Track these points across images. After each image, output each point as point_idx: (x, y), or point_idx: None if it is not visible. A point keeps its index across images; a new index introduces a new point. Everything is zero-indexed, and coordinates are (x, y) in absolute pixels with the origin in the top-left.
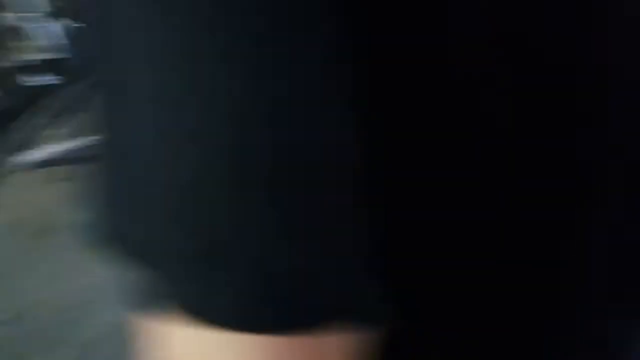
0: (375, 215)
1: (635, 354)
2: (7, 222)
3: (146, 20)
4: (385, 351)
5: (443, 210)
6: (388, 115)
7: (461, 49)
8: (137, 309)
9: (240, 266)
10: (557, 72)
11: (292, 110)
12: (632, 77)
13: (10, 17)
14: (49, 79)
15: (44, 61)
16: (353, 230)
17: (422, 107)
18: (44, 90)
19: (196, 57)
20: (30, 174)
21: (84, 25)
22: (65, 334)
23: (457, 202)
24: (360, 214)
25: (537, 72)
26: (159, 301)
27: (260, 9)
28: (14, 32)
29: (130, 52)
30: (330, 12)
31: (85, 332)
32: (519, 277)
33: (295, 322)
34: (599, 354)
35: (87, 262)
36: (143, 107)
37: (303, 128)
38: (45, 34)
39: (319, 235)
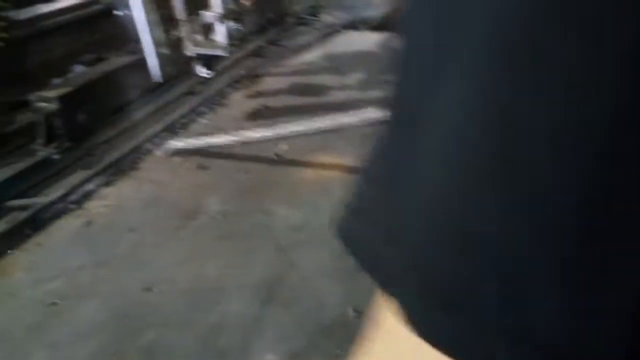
0: None
1: None
2: (155, 198)
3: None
4: None
5: None
6: None
7: None
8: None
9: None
10: None
11: None
12: None
13: (209, 16)
14: (206, 72)
15: (210, 56)
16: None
17: None
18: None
19: None
20: (179, 158)
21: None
22: (191, 315)
23: None
24: None
25: None
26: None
27: None
28: (207, 29)
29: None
30: None
31: (211, 317)
32: None
33: None
34: None
35: (223, 249)
36: (440, 141)
37: None
38: (222, 33)
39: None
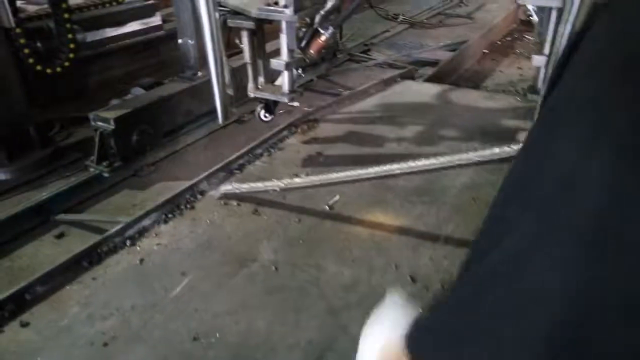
0: None
1: None
2: (209, 241)
3: None
4: None
5: None
6: None
7: None
8: None
9: None
10: None
11: None
12: None
13: (275, 62)
14: (266, 115)
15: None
16: None
17: None
18: None
19: None
20: (233, 200)
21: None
22: None
23: None
24: None
25: None
26: None
27: None
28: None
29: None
30: None
31: None
32: None
33: None
34: None
35: (273, 303)
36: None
37: None
38: (286, 80)
39: None
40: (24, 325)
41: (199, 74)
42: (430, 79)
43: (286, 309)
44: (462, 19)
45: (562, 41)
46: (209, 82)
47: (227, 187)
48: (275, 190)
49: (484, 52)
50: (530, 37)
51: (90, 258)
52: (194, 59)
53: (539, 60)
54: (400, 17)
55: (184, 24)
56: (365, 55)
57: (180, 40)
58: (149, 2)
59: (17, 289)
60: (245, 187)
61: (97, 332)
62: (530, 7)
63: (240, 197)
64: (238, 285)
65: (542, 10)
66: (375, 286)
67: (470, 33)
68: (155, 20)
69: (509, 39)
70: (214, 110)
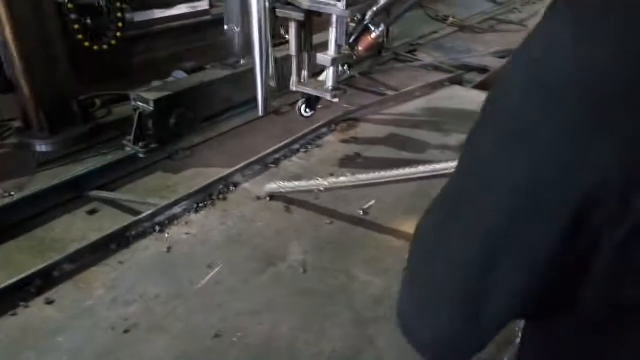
0: None
1: None
2: (238, 235)
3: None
4: None
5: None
6: None
7: None
8: None
9: None
10: None
11: None
12: None
13: (321, 57)
14: (307, 111)
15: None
16: None
17: None
18: None
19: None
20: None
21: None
22: None
23: None
24: None
25: None
26: None
27: None
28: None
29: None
30: None
31: None
32: None
33: None
34: None
35: (300, 307)
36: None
37: None
38: (331, 76)
39: None
40: (49, 302)
41: (242, 61)
42: (479, 86)
43: (312, 315)
44: (515, 26)
45: None
46: (250, 70)
47: (272, 187)
48: (320, 191)
49: None
50: None
51: (119, 241)
52: (238, 46)
53: None
54: (450, 20)
55: (231, 10)
56: (411, 56)
57: (226, 27)
58: None
59: (45, 265)
60: (290, 186)
61: (120, 317)
62: None
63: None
64: (264, 285)
65: None
66: None
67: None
68: (203, 4)
69: None
70: (253, 100)
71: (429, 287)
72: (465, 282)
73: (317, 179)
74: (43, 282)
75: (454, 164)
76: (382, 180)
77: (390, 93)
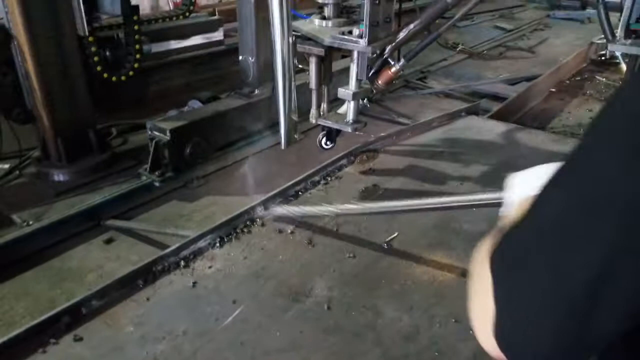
0: None
1: None
2: (263, 269)
3: None
4: None
5: None
6: None
7: None
8: None
9: None
10: None
11: None
12: None
13: (342, 92)
14: (327, 143)
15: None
16: None
17: None
18: None
19: None
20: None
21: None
22: None
23: None
24: None
25: None
26: None
27: None
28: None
29: None
30: None
31: None
32: None
33: None
34: None
35: (327, 346)
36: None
37: None
38: (352, 110)
39: None
40: (78, 339)
41: (257, 91)
42: (495, 116)
43: (340, 353)
44: (524, 52)
45: None
46: (265, 100)
47: (279, 210)
48: (328, 216)
49: (551, 91)
50: (601, 78)
51: (145, 276)
52: (252, 76)
53: None
54: (460, 47)
55: (245, 41)
56: (422, 83)
57: (240, 57)
58: (214, 17)
59: (74, 301)
60: (297, 210)
61: (149, 355)
62: (617, 53)
63: (294, 223)
64: (291, 322)
65: (633, 59)
66: (437, 339)
67: (532, 68)
68: (218, 35)
69: (578, 78)
70: (267, 129)
71: (532, 303)
72: (574, 295)
73: (326, 205)
74: (72, 318)
75: (466, 197)
76: (390, 210)
77: (403, 120)
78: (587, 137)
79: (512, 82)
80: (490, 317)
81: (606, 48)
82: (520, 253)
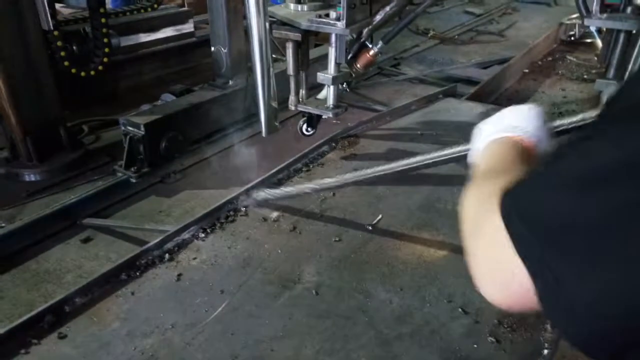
0: None
1: None
2: (249, 258)
3: None
4: None
5: None
6: None
7: None
8: None
9: None
10: None
11: None
12: None
13: (321, 76)
14: (307, 130)
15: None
16: None
17: None
18: None
19: None
20: (273, 215)
21: None
22: None
23: None
24: None
25: None
26: None
27: None
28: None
29: None
30: None
31: None
32: None
33: None
34: None
35: (320, 330)
36: None
37: None
38: (331, 95)
39: None
40: (63, 338)
41: (230, 82)
42: (471, 98)
43: (334, 338)
44: (494, 37)
45: (633, 66)
46: (239, 91)
47: (260, 194)
48: (311, 196)
49: (524, 72)
50: (572, 58)
51: (130, 271)
52: (226, 67)
53: (603, 84)
54: (431, 33)
55: (217, 32)
56: (395, 70)
57: (213, 48)
58: (183, 9)
59: (57, 300)
60: (278, 192)
61: (138, 350)
62: (592, 29)
63: (278, 210)
64: (282, 308)
65: (609, 33)
66: (430, 319)
67: (503, 51)
68: (188, 27)
69: (549, 59)
70: (243, 120)
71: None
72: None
73: (305, 183)
74: (55, 317)
75: (437, 154)
76: (366, 177)
77: (378, 107)
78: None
79: (485, 66)
80: (507, 271)
81: (576, 28)
82: (561, 215)
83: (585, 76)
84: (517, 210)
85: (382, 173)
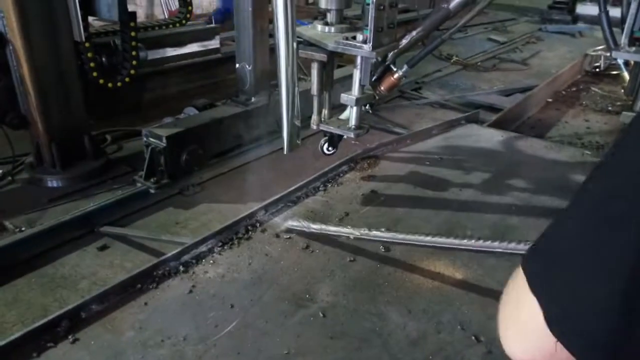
0: None
1: None
2: (264, 275)
3: None
4: None
5: None
6: None
7: None
8: None
9: None
10: None
11: None
12: None
13: (344, 97)
14: (328, 149)
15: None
16: None
17: None
18: None
19: None
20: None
21: None
22: None
23: None
24: None
25: None
26: None
27: None
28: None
29: None
30: None
31: None
32: None
33: None
34: None
35: (332, 351)
36: None
37: None
38: (354, 115)
39: None
40: (78, 344)
41: (253, 99)
42: (493, 125)
43: (347, 359)
44: (517, 65)
45: None
46: (261, 107)
47: (293, 223)
48: (348, 237)
49: (547, 101)
50: (597, 89)
51: (146, 280)
52: (249, 84)
53: (629, 117)
54: (454, 58)
55: (242, 49)
56: (417, 93)
57: (237, 65)
58: (210, 25)
59: (74, 306)
60: (315, 227)
61: None
62: (620, 61)
63: (294, 231)
64: (294, 327)
65: (637, 66)
66: (444, 344)
67: (526, 80)
68: (214, 43)
69: (574, 89)
70: (263, 137)
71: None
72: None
73: (348, 227)
74: (71, 322)
75: (492, 243)
76: (413, 243)
77: (399, 130)
78: (616, 146)
79: (507, 94)
80: (524, 318)
81: (601, 59)
82: (560, 246)
83: (609, 108)
84: (533, 259)
85: (424, 244)
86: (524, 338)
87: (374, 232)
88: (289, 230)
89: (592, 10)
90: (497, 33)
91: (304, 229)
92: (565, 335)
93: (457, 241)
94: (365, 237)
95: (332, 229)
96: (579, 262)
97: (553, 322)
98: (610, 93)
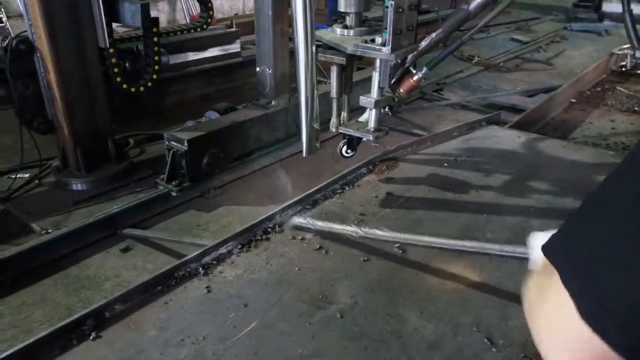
0: None
1: None
2: (283, 276)
3: None
4: None
5: None
6: None
7: None
8: None
9: None
10: None
11: None
12: None
13: (364, 100)
14: (347, 151)
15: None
16: None
17: None
18: None
19: None
20: (306, 235)
21: None
22: None
23: None
24: None
25: None
26: None
27: None
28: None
29: None
30: None
31: None
32: None
33: None
34: None
35: (352, 353)
36: None
37: None
38: (373, 118)
39: None
40: (102, 342)
41: (273, 102)
42: (515, 126)
43: None
44: (541, 65)
45: None
46: (281, 111)
47: (300, 220)
48: (352, 236)
49: (571, 102)
50: (623, 89)
51: (167, 281)
52: (269, 87)
53: None
54: (476, 59)
55: (263, 53)
56: (438, 95)
57: (258, 69)
58: (231, 30)
59: (98, 305)
60: (320, 224)
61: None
62: None
63: (311, 231)
64: (313, 329)
65: None
66: (462, 347)
67: (550, 80)
68: (235, 47)
69: (599, 89)
70: (283, 140)
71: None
72: None
73: (352, 225)
74: (96, 322)
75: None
76: (419, 244)
77: (419, 132)
78: None
79: (530, 94)
80: (560, 318)
81: (627, 58)
82: (593, 244)
83: (636, 108)
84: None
85: (433, 245)
86: (569, 347)
87: (375, 231)
88: (296, 227)
89: (618, 7)
90: (520, 32)
91: (310, 227)
92: (611, 337)
93: (475, 244)
94: (370, 235)
95: (337, 227)
96: (622, 261)
97: (597, 327)
98: (636, 93)
